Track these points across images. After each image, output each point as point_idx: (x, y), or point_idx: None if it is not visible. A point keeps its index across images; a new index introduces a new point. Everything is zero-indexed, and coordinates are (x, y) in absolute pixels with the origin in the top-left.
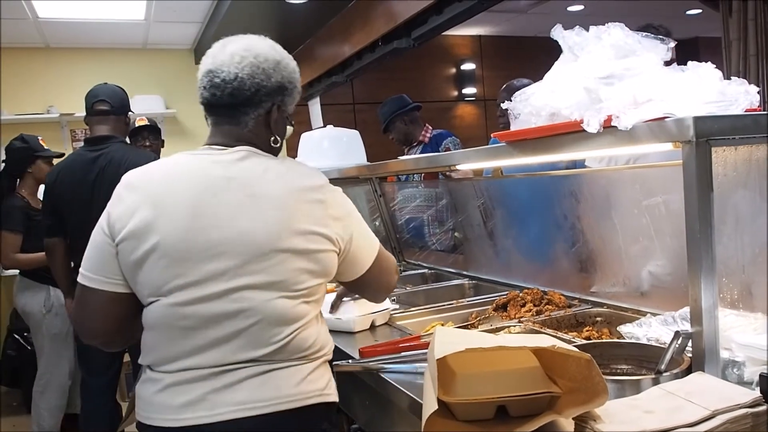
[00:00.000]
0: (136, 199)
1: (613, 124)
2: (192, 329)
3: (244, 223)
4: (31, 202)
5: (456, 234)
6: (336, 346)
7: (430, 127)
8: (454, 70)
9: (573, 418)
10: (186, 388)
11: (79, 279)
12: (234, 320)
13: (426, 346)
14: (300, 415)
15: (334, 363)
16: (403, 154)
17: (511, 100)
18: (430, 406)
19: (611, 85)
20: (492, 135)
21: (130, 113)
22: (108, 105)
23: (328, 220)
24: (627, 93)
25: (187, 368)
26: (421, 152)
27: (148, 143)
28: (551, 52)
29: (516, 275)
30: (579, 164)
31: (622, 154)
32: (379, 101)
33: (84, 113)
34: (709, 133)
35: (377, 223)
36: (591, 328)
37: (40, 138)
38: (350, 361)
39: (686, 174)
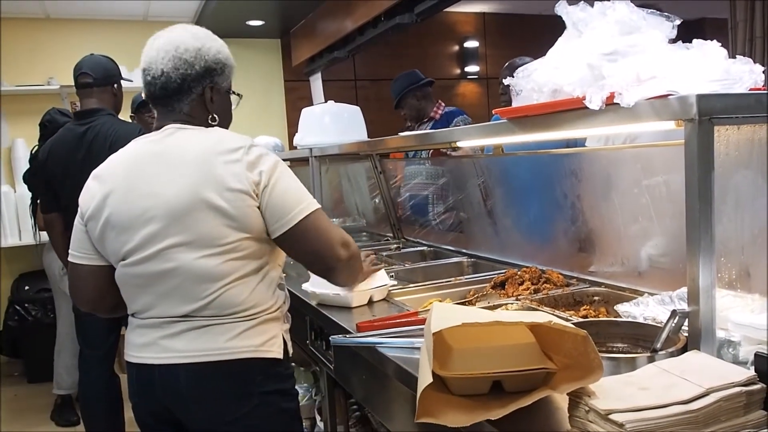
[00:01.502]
0: (95, 186)
1: (615, 101)
2: (142, 287)
3: (166, 188)
4: None
5: (461, 213)
6: (333, 321)
7: (443, 104)
8: (456, 48)
9: (568, 394)
10: (146, 332)
11: (69, 257)
12: (169, 278)
13: (423, 321)
14: (231, 367)
15: (332, 338)
16: (405, 131)
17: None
18: (425, 379)
19: (615, 61)
20: (493, 111)
21: (122, 82)
22: (90, 77)
23: (242, 176)
24: (630, 70)
25: (149, 317)
26: (432, 128)
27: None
28: (555, 30)
29: (514, 254)
30: (579, 143)
31: (621, 132)
32: (380, 78)
33: None
34: (712, 112)
35: (377, 201)
36: (588, 307)
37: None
38: (347, 335)
39: (688, 152)
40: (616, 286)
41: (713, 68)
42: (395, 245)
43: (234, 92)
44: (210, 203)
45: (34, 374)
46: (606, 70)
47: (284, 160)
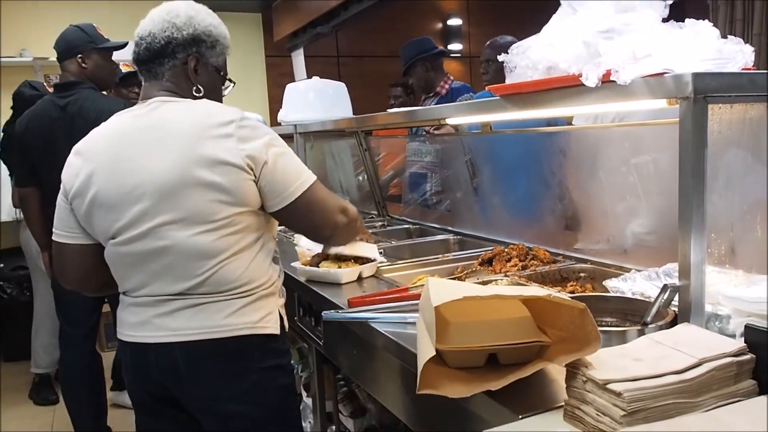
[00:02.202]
0: (79, 162)
1: (612, 78)
2: (134, 265)
3: (154, 163)
4: None
5: (448, 191)
6: (324, 297)
7: (452, 78)
8: (440, 26)
9: (565, 365)
10: (139, 310)
11: (53, 236)
12: (162, 256)
13: (414, 297)
14: (229, 344)
15: (323, 313)
16: (392, 107)
17: (495, 57)
18: (426, 352)
19: (610, 39)
20: (486, 88)
21: (82, 55)
22: (56, 53)
23: (234, 150)
24: (626, 48)
25: (142, 295)
26: (437, 104)
27: (136, 90)
28: (537, 10)
29: (501, 231)
30: (560, 123)
31: (610, 111)
32: (364, 55)
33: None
34: (707, 90)
35: (361, 178)
36: (575, 283)
37: (46, 84)
38: (339, 311)
39: (682, 130)
40: (601, 263)
41: (706, 48)
42: (380, 223)
43: (227, 76)
44: (202, 180)
45: (10, 353)
46: (602, 47)
47: None
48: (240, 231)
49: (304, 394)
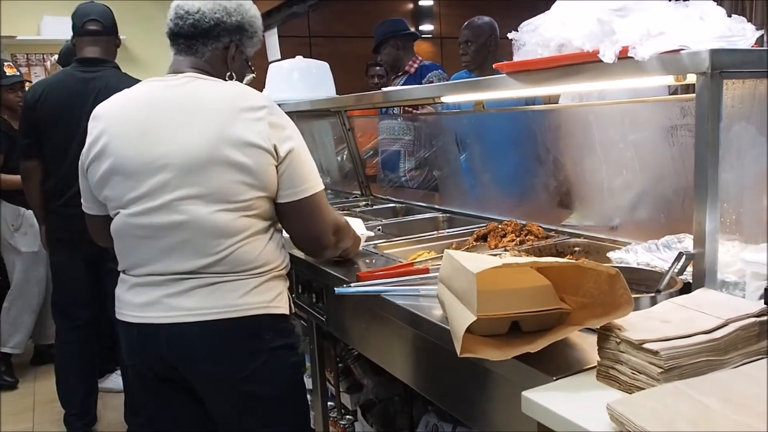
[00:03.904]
0: (98, 127)
1: (629, 55)
2: (146, 238)
3: (183, 136)
4: (14, 123)
5: (435, 170)
6: (328, 272)
7: (420, 58)
8: (411, 6)
9: (598, 329)
10: (146, 290)
11: (83, 207)
12: (178, 231)
13: (421, 272)
14: (244, 323)
15: (336, 289)
16: (375, 87)
17: (473, 38)
18: (466, 318)
19: (625, 17)
20: (494, 66)
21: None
22: (100, 25)
23: (264, 134)
24: (641, 25)
25: (147, 273)
26: (405, 83)
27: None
28: None
29: (491, 209)
30: (537, 102)
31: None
32: (335, 35)
33: (71, 34)
34: (722, 66)
35: (342, 157)
36: (571, 257)
37: (5, 63)
38: (352, 285)
39: (699, 104)
40: (595, 237)
41: (716, 25)
42: (364, 202)
43: (251, 66)
44: (230, 159)
45: None
46: (616, 25)
47: None
48: (257, 215)
49: None
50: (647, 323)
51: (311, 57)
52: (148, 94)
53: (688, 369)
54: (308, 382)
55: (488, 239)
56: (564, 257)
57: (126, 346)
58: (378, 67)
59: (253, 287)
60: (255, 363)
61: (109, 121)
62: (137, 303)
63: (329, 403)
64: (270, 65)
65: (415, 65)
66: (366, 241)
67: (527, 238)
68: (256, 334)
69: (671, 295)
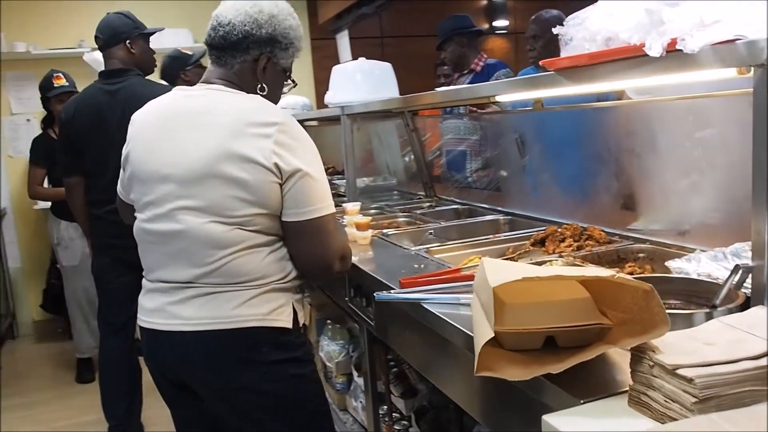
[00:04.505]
0: (129, 133)
1: (678, 47)
2: (154, 244)
3: (188, 147)
4: None
5: (498, 171)
6: (374, 277)
7: (485, 56)
8: (485, 2)
9: (630, 349)
10: (155, 296)
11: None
12: (177, 239)
13: (466, 278)
14: (238, 335)
15: (375, 294)
16: (441, 86)
17: (541, 32)
18: (484, 334)
19: (675, 6)
20: (541, 62)
21: (130, 41)
22: (100, 39)
23: (267, 150)
24: (693, 14)
25: (157, 279)
26: (471, 82)
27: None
28: None
29: (552, 211)
30: (610, 98)
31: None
32: (407, 35)
33: None
34: None
35: (408, 159)
36: (633, 264)
37: (55, 75)
38: (391, 292)
39: (757, 99)
40: (661, 243)
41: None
42: (428, 203)
43: (291, 77)
44: (227, 174)
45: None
46: (666, 14)
47: (314, 119)
48: (256, 231)
49: (355, 374)
50: (688, 344)
51: (383, 58)
52: (170, 103)
53: (728, 400)
54: (361, 384)
55: (546, 243)
56: (626, 264)
57: (143, 349)
58: (445, 67)
59: (247, 299)
60: (250, 375)
61: (137, 127)
62: (148, 308)
63: (383, 406)
64: (333, 68)
65: (481, 63)
66: (419, 245)
67: (586, 243)
68: (251, 347)
69: (730, 311)
